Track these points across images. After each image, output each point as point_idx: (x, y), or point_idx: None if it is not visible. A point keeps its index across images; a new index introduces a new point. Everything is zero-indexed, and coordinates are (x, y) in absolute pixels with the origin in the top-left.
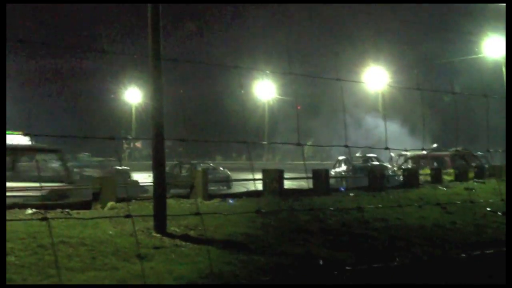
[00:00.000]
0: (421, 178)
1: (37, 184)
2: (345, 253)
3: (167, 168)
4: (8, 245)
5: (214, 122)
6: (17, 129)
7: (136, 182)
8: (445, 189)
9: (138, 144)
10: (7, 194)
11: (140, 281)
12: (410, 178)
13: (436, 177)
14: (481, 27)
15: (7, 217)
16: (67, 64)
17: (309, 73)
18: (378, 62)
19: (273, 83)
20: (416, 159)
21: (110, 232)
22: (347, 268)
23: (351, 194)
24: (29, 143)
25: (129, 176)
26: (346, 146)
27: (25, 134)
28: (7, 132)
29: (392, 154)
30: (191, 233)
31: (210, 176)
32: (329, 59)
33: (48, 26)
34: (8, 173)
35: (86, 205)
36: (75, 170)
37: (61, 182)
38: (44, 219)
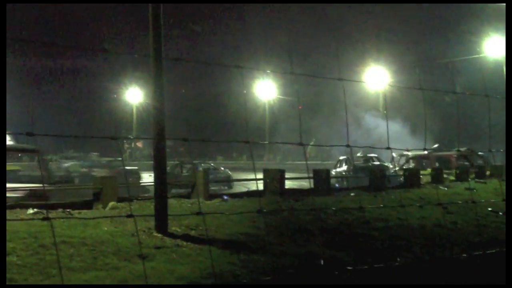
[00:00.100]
0: (422, 178)
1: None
2: (346, 253)
3: (168, 168)
4: (10, 245)
5: (214, 122)
6: (18, 129)
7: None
8: (446, 189)
9: (139, 144)
10: None
11: (141, 281)
12: (411, 178)
13: (437, 177)
14: (482, 26)
15: (9, 217)
16: (68, 64)
17: (309, 73)
18: (379, 62)
19: (273, 83)
20: (417, 159)
21: (111, 232)
22: (348, 268)
23: (352, 194)
24: (11, 142)
25: (139, 177)
26: (347, 145)
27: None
28: None
29: (394, 154)
30: (192, 233)
31: (211, 176)
32: (330, 58)
33: (49, 26)
34: None
35: (87, 205)
36: (83, 170)
37: (40, 183)
38: (46, 218)
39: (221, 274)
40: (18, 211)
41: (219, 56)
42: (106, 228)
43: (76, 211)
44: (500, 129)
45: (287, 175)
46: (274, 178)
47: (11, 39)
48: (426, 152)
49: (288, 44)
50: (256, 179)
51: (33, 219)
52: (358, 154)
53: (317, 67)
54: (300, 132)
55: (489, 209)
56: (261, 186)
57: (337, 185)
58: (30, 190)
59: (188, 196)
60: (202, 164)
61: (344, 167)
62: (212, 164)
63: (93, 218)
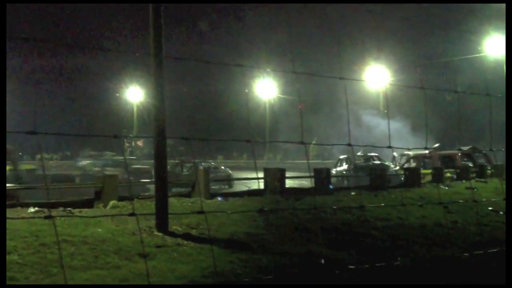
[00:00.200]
0: (424, 177)
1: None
2: (346, 252)
3: (168, 167)
4: (11, 243)
5: (215, 121)
6: (18, 128)
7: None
8: (446, 188)
9: (140, 143)
10: None
11: (142, 279)
12: (412, 177)
13: (438, 177)
14: (482, 25)
15: (10, 215)
16: (68, 63)
17: (309, 72)
18: (379, 61)
19: (274, 82)
20: (419, 158)
21: (112, 231)
22: (350, 267)
23: (353, 193)
24: None
25: (151, 176)
26: (349, 144)
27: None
28: None
29: (395, 154)
30: (193, 232)
31: (212, 175)
32: (329, 57)
33: (49, 25)
34: None
35: (88, 204)
36: (96, 169)
37: (10, 182)
38: (49, 217)
39: (222, 273)
40: (19, 210)
41: (219, 56)
42: (107, 227)
43: (77, 209)
44: (501, 127)
45: (287, 174)
46: (275, 177)
47: (10, 38)
48: (427, 151)
49: (289, 43)
50: (258, 178)
51: (33, 217)
52: (359, 153)
53: (318, 66)
54: (302, 130)
55: (490, 208)
56: (261, 185)
57: (331, 186)
58: None
59: (188, 195)
60: (203, 163)
61: (345, 166)
62: (212, 163)
63: (94, 217)
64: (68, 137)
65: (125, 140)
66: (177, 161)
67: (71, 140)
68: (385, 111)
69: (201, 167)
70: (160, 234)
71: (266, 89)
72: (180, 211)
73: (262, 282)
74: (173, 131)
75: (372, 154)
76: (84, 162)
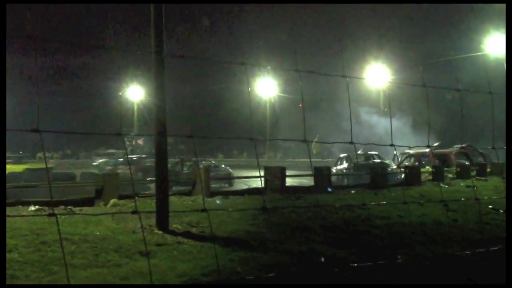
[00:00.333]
0: (425, 175)
1: None
2: (346, 250)
3: (168, 166)
4: (12, 242)
5: (215, 119)
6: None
7: None
8: (446, 186)
9: (140, 141)
10: None
11: (142, 278)
12: (412, 175)
13: (438, 175)
14: (483, 24)
15: (11, 213)
16: (68, 62)
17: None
18: (380, 60)
19: (274, 81)
20: (417, 156)
21: (113, 229)
22: (352, 264)
23: (353, 192)
24: None
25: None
26: (351, 142)
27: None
28: None
29: (396, 153)
30: (193, 230)
31: (212, 173)
32: (331, 56)
33: (49, 24)
34: None
35: (89, 202)
36: (108, 167)
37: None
38: (52, 215)
39: (222, 271)
40: (20, 208)
41: (219, 54)
42: (107, 225)
43: (78, 208)
44: (501, 125)
45: (287, 172)
46: (275, 175)
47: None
48: (427, 150)
49: (291, 41)
50: (260, 176)
51: (34, 215)
52: (359, 152)
53: (318, 64)
54: (304, 129)
55: (490, 206)
56: (262, 184)
57: (330, 189)
58: None
59: (189, 194)
60: (203, 162)
61: (345, 165)
62: (213, 162)
63: (94, 215)
64: (68, 135)
65: (126, 138)
66: (177, 159)
67: (71, 139)
68: (385, 109)
69: (201, 166)
70: (160, 232)
71: (267, 88)
72: (181, 209)
73: (263, 281)
74: (174, 130)
75: (372, 152)
76: (98, 161)
